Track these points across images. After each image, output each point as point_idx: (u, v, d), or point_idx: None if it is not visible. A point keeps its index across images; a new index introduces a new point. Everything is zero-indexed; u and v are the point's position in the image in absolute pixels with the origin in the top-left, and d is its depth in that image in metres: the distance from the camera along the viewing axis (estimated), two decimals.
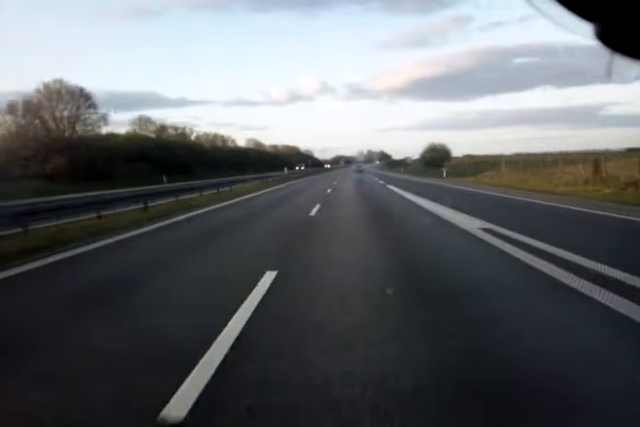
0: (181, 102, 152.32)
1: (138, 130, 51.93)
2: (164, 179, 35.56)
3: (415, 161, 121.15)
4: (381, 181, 31.06)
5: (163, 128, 54.35)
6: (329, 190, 21.02)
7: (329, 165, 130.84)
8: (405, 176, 45.56)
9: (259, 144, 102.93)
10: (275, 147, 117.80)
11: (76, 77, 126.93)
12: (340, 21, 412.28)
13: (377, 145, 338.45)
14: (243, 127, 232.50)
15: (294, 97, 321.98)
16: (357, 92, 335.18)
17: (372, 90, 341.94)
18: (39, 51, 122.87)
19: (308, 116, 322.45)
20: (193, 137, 64.60)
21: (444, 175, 38.24)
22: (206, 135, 70.40)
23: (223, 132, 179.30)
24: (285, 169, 46.33)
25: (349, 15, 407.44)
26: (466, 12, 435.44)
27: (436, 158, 57.66)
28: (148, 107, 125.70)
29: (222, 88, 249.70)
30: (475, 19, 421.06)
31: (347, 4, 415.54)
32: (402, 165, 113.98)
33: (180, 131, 58.55)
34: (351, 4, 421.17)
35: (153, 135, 52.22)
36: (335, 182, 29.96)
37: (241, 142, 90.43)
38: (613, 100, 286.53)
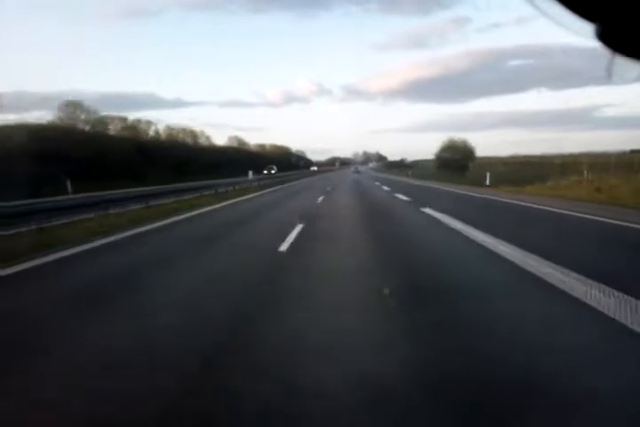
0: (178, 103, 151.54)
1: (66, 120, 39.10)
2: (69, 187, 22.96)
3: (414, 162, 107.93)
4: (403, 196, 18.40)
5: (101, 120, 41.38)
6: (283, 246, 7.10)
7: (315, 168, 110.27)
8: (430, 183, 32.74)
9: (242, 143, 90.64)
10: (262, 146, 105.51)
11: (72, 78, 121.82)
12: (338, 22, 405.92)
13: (372, 146, 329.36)
14: (237, 128, 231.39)
15: (290, 98, 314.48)
16: (353, 93, 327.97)
17: (367, 91, 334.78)
18: (33, 51, 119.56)
19: (303, 117, 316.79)
20: (151, 131, 51.85)
21: (487, 182, 25.66)
22: (170, 130, 57.59)
23: (218, 132, 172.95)
24: (250, 173, 33.22)
25: (348, 16, 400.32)
26: (464, 14, 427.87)
27: (457, 159, 44.94)
28: (145, 108, 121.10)
29: (218, 89, 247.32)
30: (473, 20, 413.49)
31: (346, 5, 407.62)
32: (400, 166, 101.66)
33: (129, 123, 45.68)
34: (350, 4, 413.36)
35: (86, 127, 39.43)
36: (320, 200, 17.31)
37: (222, 141, 78.38)
38: (608, 102, 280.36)
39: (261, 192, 24.44)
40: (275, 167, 56.75)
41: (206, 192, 20.77)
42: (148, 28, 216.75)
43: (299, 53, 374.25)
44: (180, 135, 59.74)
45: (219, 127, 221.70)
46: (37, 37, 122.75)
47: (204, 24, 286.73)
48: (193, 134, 62.78)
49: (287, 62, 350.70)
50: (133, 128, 45.49)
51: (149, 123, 49.90)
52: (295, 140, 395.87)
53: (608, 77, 0.64)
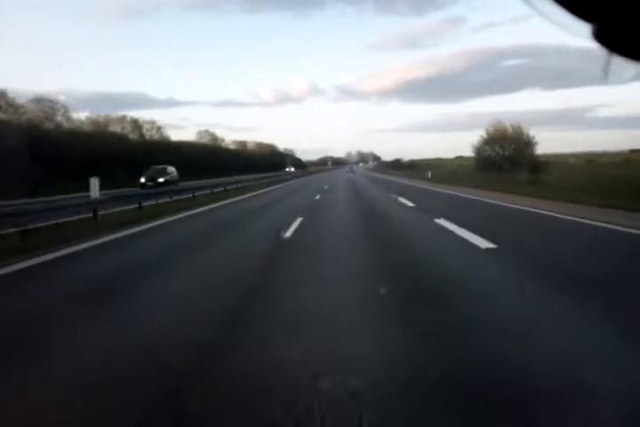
0: (170, 103, 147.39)
1: None
2: None
3: (410, 162, 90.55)
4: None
5: None
6: None
7: (292, 168, 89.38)
8: (538, 206, 16.26)
9: (215, 138, 74.57)
10: (241, 143, 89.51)
11: (63, 77, 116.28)
12: (333, 22, 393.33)
13: (366, 146, 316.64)
14: (231, 128, 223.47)
15: (284, 98, 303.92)
16: (347, 93, 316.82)
17: (361, 91, 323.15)
18: (25, 50, 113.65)
19: (297, 117, 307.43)
20: (58, 118, 35.68)
21: None
22: (98, 116, 41.59)
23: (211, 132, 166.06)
24: (95, 185, 15.57)
25: (342, 16, 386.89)
26: (459, 13, 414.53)
27: (511, 155, 29.15)
28: (137, 107, 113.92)
29: (212, 89, 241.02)
30: (468, 20, 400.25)
31: (340, 5, 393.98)
32: (398, 167, 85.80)
33: (9, 101, 29.48)
34: (345, 4, 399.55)
35: None
36: None
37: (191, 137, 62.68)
38: (602, 103, 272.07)
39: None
40: (173, 170, 27.73)
41: None
42: (142, 28, 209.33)
43: (293, 53, 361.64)
44: (114, 126, 43.59)
45: (212, 127, 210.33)
46: (26, 37, 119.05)
47: (199, 24, 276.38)
48: (136, 125, 46.73)
49: (282, 62, 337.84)
50: (14, 109, 29.33)
51: (53, 103, 33.68)
52: (288, 141, 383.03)
53: (605, 77, 0.63)
